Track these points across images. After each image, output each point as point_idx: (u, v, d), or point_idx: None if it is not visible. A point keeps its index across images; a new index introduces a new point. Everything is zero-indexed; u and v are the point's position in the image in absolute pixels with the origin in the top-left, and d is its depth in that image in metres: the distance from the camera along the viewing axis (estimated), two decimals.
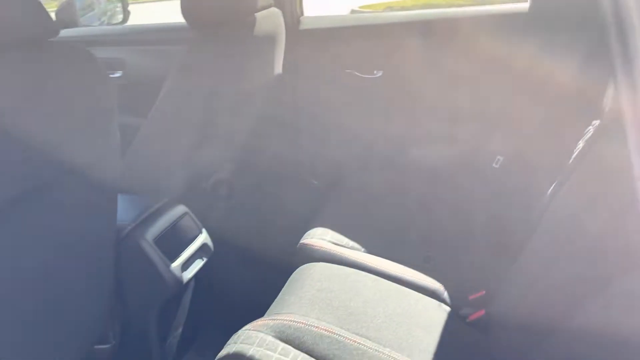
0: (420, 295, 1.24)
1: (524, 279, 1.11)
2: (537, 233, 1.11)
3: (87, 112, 0.94)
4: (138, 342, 1.30)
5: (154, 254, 1.21)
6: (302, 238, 1.41)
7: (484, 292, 1.25)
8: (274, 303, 1.20)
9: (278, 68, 1.76)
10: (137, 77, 2.02)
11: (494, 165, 1.65)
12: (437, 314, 1.19)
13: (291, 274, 1.30)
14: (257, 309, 1.18)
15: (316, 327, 1.06)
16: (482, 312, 1.19)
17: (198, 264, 1.34)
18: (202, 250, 1.36)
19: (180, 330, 1.41)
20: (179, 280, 1.25)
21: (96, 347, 1.22)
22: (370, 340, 1.05)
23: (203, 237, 1.37)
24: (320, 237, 1.40)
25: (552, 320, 0.91)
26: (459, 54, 1.69)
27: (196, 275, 1.34)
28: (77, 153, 0.94)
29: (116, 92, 0.99)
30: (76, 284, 1.08)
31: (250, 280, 1.64)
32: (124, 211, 1.21)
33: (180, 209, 1.34)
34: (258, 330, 1.05)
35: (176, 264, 1.25)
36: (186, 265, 1.30)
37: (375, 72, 1.82)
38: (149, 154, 1.40)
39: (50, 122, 0.87)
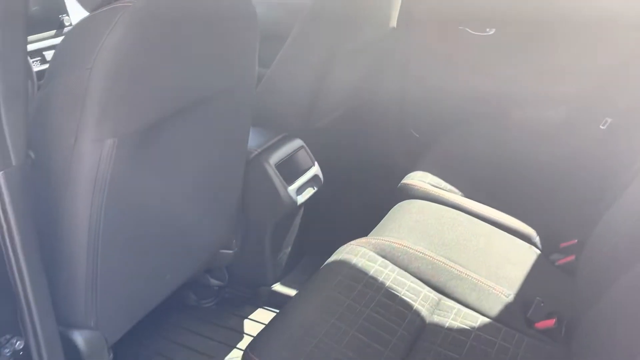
0: (513, 237, 1.33)
1: (616, 229, 1.15)
2: (633, 185, 1.14)
3: (241, 37, 1.10)
4: (255, 252, 1.51)
5: (275, 177, 1.40)
6: (404, 179, 1.54)
7: (575, 241, 1.30)
8: (374, 229, 1.34)
9: (393, 22, 1.85)
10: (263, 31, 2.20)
11: (600, 126, 1.64)
12: (527, 254, 1.27)
13: (390, 209, 1.43)
14: (358, 237, 1.33)
15: (412, 249, 1.20)
16: (572, 257, 1.25)
17: (309, 191, 1.52)
18: (313, 180, 1.54)
19: (289, 249, 1.61)
20: (293, 202, 1.44)
21: (221, 250, 1.45)
22: (460, 266, 1.17)
23: (315, 169, 1.55)
24: (420, 179, 1.52)
25: None
26: (569, 10, 1.68)
27: (306, 202, 1.52)
28: (232, 74, 1.12)
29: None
30: (215, 193, 1.29)
31: (353, 212, 1.80)
32: (252, 139, 1.40)
33: (298, 142, 1.52)
34: (361, 246, 1.20)
35: (292, 187, 1.44)
36: (299, 191, 1.48)
37: (487, 30, 1.85)
38: (274, 93, 1.58)
39: (212, 42, 1.03)
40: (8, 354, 0.84)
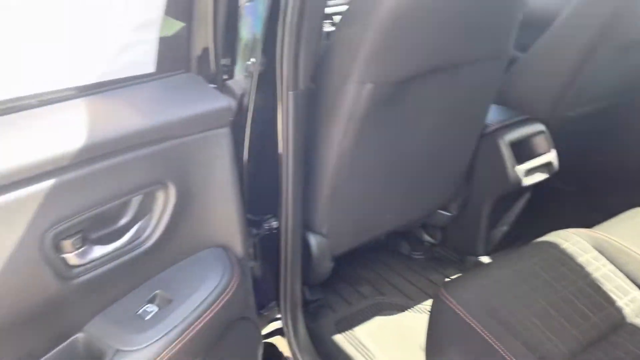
0: None
1: None
2: None
3: (507, 9, 1.19)
4: (471, 221, 1.60)
5: (506, 154, 1.46)
6: None
7: None
8: (599, 225, 1.30)
9: None
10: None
11: None
12: None
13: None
14: None
15: (635, 252, 1.15)
16: None
17: (540, 176, 1.53)
18: (546, 166, 1.54)
19: (505, 227, 1.65)
20: (518, 181, 1.47)
21: (439, 211, 1.59)
22: None
23: (551, 156, 1.54)
24: None
25: None
26: None
27: (535, 187, 1.54)
28: (490, 44, 1.22)
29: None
30: (444, 156, 1.42)
31: (579, 206, 1.73)
32: (492, 114, 1.48)
33: (538, 126, 1.53)
34: (577, 235, 1.20)
35: (521, 167, 1.48)
36: (528, 173, 1.51)
37: None
38: (527, 75, 1.61)
39: (479, 9, 1.14)
40: (267, 228, 1.14)
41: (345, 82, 1.10)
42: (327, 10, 1.94)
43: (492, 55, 1.25)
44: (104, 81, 0.77)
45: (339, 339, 1.42)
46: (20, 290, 0.68)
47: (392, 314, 1.50)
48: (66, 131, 0.69)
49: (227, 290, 0.89)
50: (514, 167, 1.47)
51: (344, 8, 1.94)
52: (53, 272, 0.70)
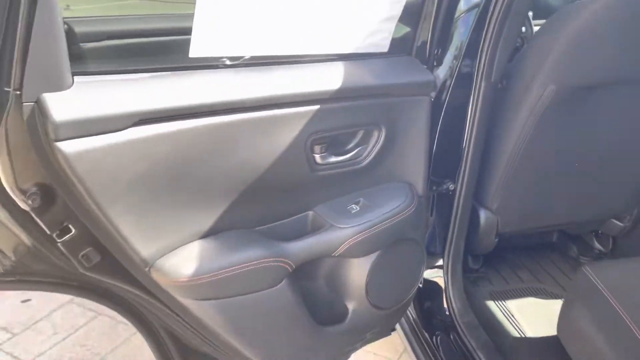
0: None
1: None
2: None
3: None
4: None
5: None
6: None
7: None
8: None
9: None
10: None
11: None
12: None
13: None
14: None
15: None
16: None
17: None
18: None
19: None
20: None
21: (612, 220, 1.70)
22: None
23: None
24: None
25: None
26: None
27: None
28: None
29: None
30: (621, 167, 1.55)
31: None
32: None
33: None
34: None
35: None
36: None
37: None
38: None
39: None
40: (444, 188, 1.45)
41: (531, 82, 1.35)
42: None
43: None
44: (354, 53, 1.18)
45: (491, 304, 1.65)
46: (287, 172, 1.12)
47: (545, 298, 1.67)
48: (329, 78, 1.11)
49: (406, 211, 1.24)
50: None
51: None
52: (307, 164, 1.13)
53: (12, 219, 0.89)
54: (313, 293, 1.27)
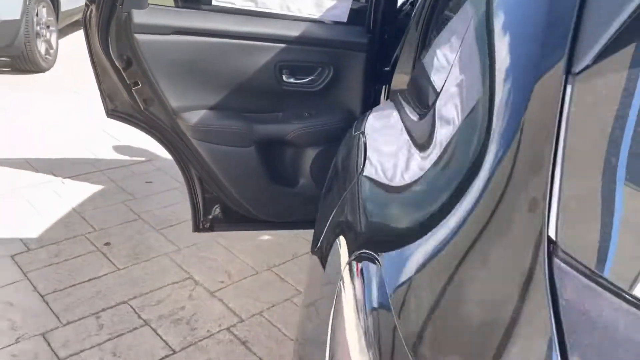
0: None
1: None
2: None
3: None
4: None
5: None
6: None
7: None
8: None
9: None
10: None
11: None
12: None
13: None
14: None
15: None
16: None
17: None
18: None
19: None
20: None
21: None
22: None
23: None
24: None
25: None
26: None
27: None
28: None
29: None
30: None
31: None
32: None
33: None
34: None
35: None
36: None
37: None
38: None
39: None
40: None
41: None
42: None
43: None
44: (320, 19, 1.93)
45: None
46: (263, 80, 1.93)
47: None
48: (298, 29, 1.88)
49: (339, 123, 1.97)
50: None
51: None
52: (275, 79, 1.93)
53: (115, 74, 1.83)
54: (276, 166, 2.06)
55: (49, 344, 2.07)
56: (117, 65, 1.78)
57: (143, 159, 3.77)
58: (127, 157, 3.78)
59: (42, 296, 2.33)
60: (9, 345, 2.05)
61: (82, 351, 2.06)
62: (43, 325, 2.17)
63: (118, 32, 1.72)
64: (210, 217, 2.17)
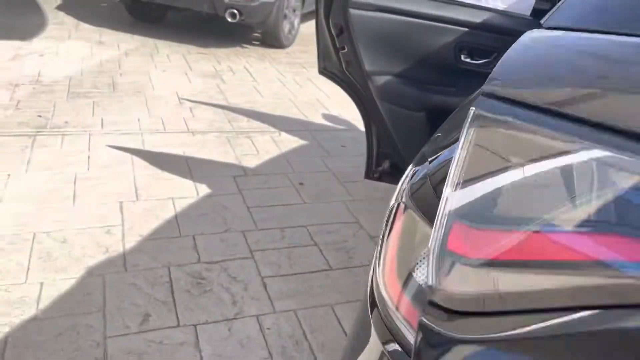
0: None
1: None
2: None
3: None
4: None
5: None
6: None
7: None
8: None
9: None
10: None
11: None
12: None
13: None
14: None
15: None
16: None
17: None
18: None
19: None
20: None
21: None
22: None
23: None
24: None
25: None
26: None
27: None
28: None
29: None
30: None
31: None
32: None
33: None
34: None
35: None
36: None
37: None
38: None
39: None
40: None
41: None
42: None
43: None
44: (506, 10, 2.18)
45: None
46: (444, 56, 2.27)
47: None
48: (481, 17, 2.17)
49: None
50: None
51: None
52: (454, 57, 2.24)
53: (330, 39, 2.36)
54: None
55: (245, 239, 2.75)
56: (333, 32, 2.30)
57: (343, 127, 4.38)
58: (330, 124, 4.44)
59: (248, 207, 3.06)
60: (219, 232, 2.79)
61: (266, 249, 2.70)
62: (245, 226, 2.87)
63: (337, 6, 2.23)
64: (380, 169, 2.60)
